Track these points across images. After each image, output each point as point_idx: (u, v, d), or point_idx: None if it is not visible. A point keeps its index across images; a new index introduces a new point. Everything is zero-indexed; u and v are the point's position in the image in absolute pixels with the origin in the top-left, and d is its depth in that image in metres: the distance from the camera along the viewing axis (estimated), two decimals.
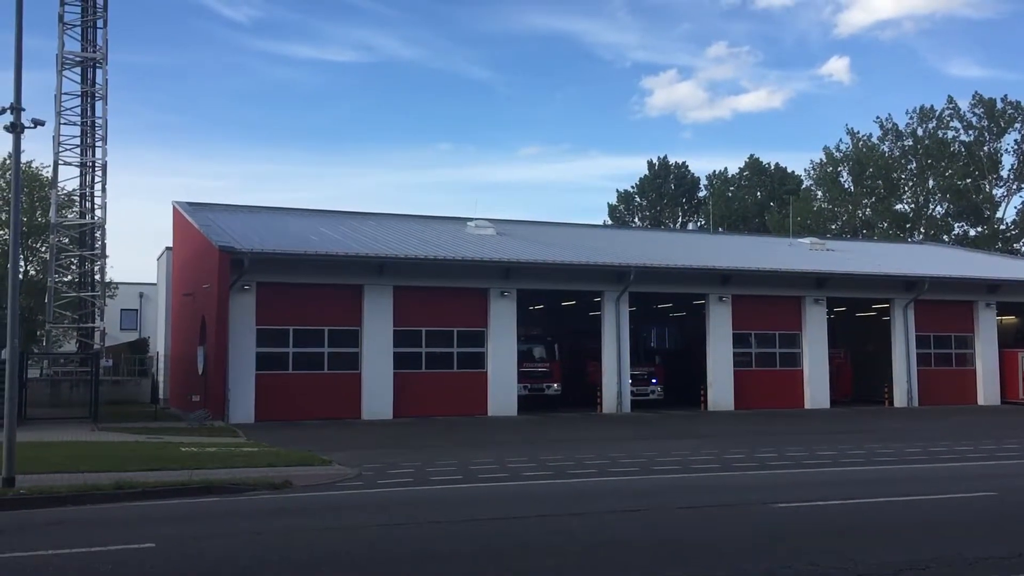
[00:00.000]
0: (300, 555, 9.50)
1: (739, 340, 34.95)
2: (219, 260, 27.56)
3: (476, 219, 39.08)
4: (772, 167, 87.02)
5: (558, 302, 37.62)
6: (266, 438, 22.18)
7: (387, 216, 40.42)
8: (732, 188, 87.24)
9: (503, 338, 31.46)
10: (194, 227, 31.99)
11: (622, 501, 13.24)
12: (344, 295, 30.00)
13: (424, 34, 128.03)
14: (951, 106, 69.78)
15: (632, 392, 33.51)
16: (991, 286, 38.66)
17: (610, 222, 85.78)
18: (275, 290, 28.95)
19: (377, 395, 29.71)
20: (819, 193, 76.46)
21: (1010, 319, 41.96)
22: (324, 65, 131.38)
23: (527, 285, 32.10)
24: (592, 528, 11.23)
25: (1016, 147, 68.10)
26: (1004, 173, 69.10)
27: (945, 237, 67.15)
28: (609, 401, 32.73)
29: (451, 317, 31.35)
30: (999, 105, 67.83)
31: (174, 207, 37.36)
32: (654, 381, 35.43)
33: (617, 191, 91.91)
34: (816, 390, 35.58)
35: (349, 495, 13.98)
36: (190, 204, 36.00)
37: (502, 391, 31.23)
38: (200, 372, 29.67)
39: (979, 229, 68.32)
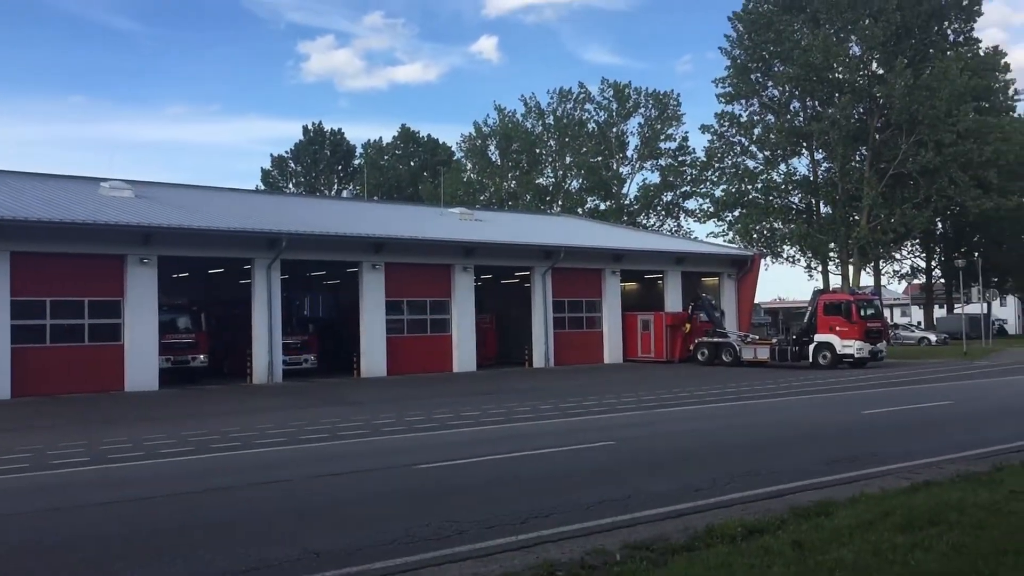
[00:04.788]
0: None
1: (392, 307, 35.47)
2: None
3: (111, 180, 35.99)
4: (425, 138, 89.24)
5: (205, 269, 35.85)
6: None
7: (2, 173, 35.99)
8: (387, 157, 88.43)
9: (142, 308, 29.36)
10: None
11: (263, 473, 12.92)
12: None
13: None
14: (584, 90, 75.86)
15: (284, 362, 32.85)
16: (616, 255, 42.60)
17: (263, 187, 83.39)
18: None
19: None
20: (469, 165, 79.77)
21: (632, 285, 46.63)
22: None
23: (170, 252, 30.17)
24: (226, 503, 10.87)
25: (639, 130, 75.67)
26: (629, 153, 76.60)
27: (579, 210, 73.06)
28: (260, 371, 31.82)
29: (82, 286, 28.67)
30: (627, 91, 74.90)
31: None
32: (307, 350, 35.03)
33: (271, 156, 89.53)
34: (464, 354, 37.15)
35: None
36: None
37: (141, 364, 29.18)
38: None
39: (608, 203, 75.15)
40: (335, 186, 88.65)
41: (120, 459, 14.47)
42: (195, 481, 12.40)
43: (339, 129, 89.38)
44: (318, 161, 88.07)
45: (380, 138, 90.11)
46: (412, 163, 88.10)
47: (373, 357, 34.54)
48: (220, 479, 12.50)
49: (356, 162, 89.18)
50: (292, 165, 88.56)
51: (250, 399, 26.65)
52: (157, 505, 10.80)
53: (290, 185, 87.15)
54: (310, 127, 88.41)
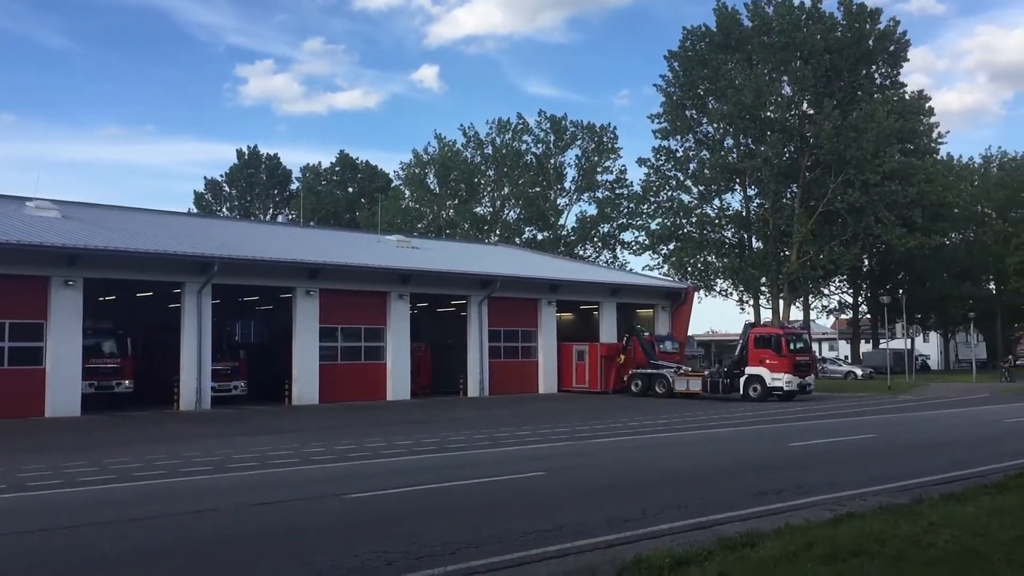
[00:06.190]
0: None
1: (326, 334, 35.08)
2: None
3: (37, 199, 35.10)
4: (363, 164, 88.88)
5: (134, 293, 35.05)
6: None
7: None
8: (324, 183, 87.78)
9: (66, 331, 28.55)
10: None
11: (190, 502, 12.61)
12: None
13: None
14: (522, 121, 76.51)
15: (213, 388, 32.19)
16: (553, 285, 42.83)
17: (196, 211, 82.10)
18: None
19: None
20: (407, 193, 79.65)
21: (568, 316, 46.89)
22: None
23: (96, 274, 29.44)
24: (154, 533, 10.56)
25: (577, 162, 76.47)
26: (567, 184, 77.31)
27: (517, 239, 73.37)
28: (188, 398, 31.13)
29: (2, 308, 27.81)
30: (563, 124, 75.74)
31: None
32: (237, 376, 34.41)
33: (205, 179, 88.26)
34: (398, 382, 36.85)
35: None
36: None
37: (63, 389, 28.32)
38: None
39: (545, 234, 75.61)
40: (270, 211, 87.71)
41: (38, 487, 13.99)
42: (118, 510, 12.05)
43: (275, 153, 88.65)
44: (253, 185, 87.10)
45: (319, 163, 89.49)
46: (350, 189, 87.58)
47: (305, 384, 34.07)
48: (144, 508, 12.17)
49: (293, 187, 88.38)
50: (227, 189, 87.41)
51: (177, 426, 26.04)
52: (79, 535, 10.46)
53: (224, 209, 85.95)
54: (245, 150, 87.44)
